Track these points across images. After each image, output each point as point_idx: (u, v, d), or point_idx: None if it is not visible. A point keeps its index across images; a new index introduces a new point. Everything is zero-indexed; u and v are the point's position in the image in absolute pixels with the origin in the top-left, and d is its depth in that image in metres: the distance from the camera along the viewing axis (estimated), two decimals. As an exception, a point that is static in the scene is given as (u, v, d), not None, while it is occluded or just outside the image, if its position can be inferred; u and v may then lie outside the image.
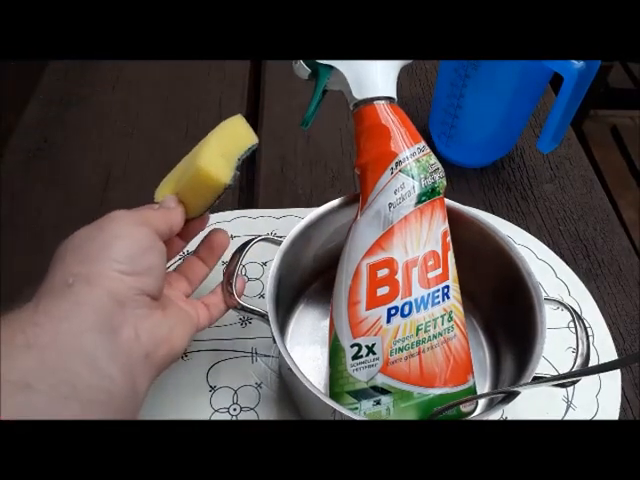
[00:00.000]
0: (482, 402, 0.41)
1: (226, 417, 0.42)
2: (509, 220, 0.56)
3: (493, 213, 0.57)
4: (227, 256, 0.40)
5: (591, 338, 0.47)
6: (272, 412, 0.42)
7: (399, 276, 0.37)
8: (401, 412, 0.37)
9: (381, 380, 0.37)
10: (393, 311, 0.37)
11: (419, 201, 0.37)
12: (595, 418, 0.43)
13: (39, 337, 0.26)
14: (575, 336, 0.37)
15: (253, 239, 0.41)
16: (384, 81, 0.38)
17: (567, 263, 0.52)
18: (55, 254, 0.31)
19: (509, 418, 0.42)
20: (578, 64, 0.46)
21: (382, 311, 0.37)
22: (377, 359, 0.37)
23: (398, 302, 0.37)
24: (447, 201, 0.41)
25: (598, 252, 0.55)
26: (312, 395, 0.34)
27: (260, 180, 0.60)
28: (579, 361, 0.36)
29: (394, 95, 0.38)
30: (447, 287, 0.38)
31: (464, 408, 0.37)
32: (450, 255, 0.39)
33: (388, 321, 0.37)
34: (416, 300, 0.37)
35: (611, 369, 0.29)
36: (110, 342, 0.28)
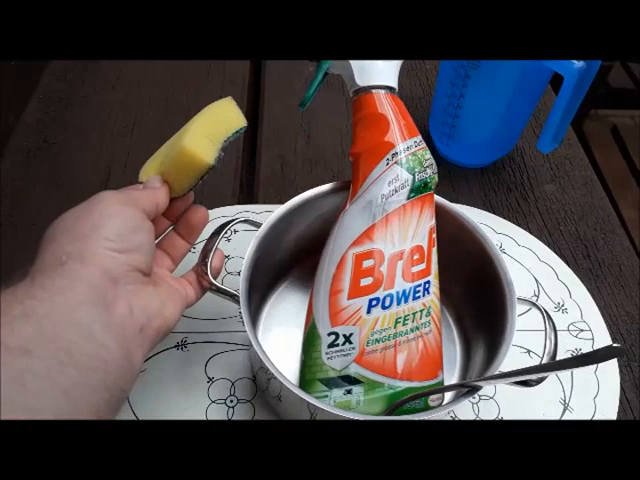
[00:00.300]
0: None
1: (223, 409, 0.42)
2: (509, 220, 0.56)
3: (494, 213, 0.57)
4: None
5: (591, 342, 0.47)
6: (268, 405, 0.42)
7: (384, 268, 0.37)
8: (371, 403, 0.37)
9: (354, 370, 0.37)
10: (374, 302, 0.37)
11: (411, 195, 0.37)
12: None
13: (36, 308, 0.26)
14: (544, 336, 0.37)
15: (232, 221, 0.42)
16: (387, 70, 0.38)
17: (567, 263, 0.52)
18: (44, 236, 0.31)
19: (505, 419, 0.42)
20: (578, 64, 0.46)
21: (363, 301, 0.37)
22: (353, 349, 0.37)
23: (380, 294, 0.37)
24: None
25: (599, 252, 0.55)
26: (278, 383, 0.34)
27: (260, 180, 0.60)
28: (545, 360, 0.36)
29: (395, 85, 0.38)
30: (428, 282, 0.38)
31: (432, 402, 0.37)
32: (434, 251, 0.39)
33: (368, 312, 0.37)
34: (398, 293, 0.37)
35: (572, 367, 0.29)
36: (105, 315, 0.28)
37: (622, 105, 1.55)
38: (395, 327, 0.37)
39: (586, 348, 0.46)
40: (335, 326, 0.37)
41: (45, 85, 0.69)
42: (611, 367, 0.45)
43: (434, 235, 0.39)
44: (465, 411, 0.43)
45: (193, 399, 0.42)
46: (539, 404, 0.43)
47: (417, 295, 0.38)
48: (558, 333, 0.37)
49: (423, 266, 0.38)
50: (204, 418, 0.42)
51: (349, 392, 0.37)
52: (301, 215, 0.43)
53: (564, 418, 0.42)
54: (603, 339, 0.47)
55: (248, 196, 0.59)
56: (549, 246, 0.54)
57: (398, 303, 0.37)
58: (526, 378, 0.32)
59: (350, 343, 0.37)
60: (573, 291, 0.50)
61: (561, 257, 0.53)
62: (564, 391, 0.44)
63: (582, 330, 0.48)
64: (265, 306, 0.48)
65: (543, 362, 0.35)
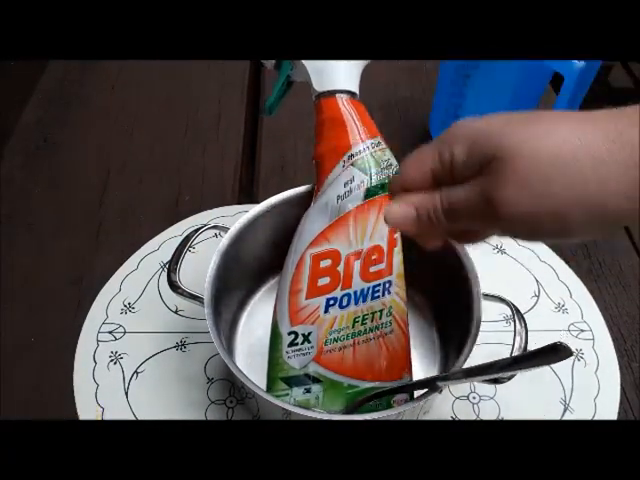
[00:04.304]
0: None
1: (222, 409, 0.42)
2: (509, 220, 0.56)
3: (493, 213, 0.57)
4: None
5: (591, 342, 0.47)
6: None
7: (341, 268, 0.38)
8: (330, 402, 0.37)
9: (313, 369, 0.38)
10: (332, 302, 0.37)
11: (368, 195, 0.38)
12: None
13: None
14: (512, 334, 0.36)
15: (202, 227, 0.42)
16: (345, 75, 0.39)
17: (568, 264, 0.52)
18: None
19: (505, 419, 0.42)
20: (579, 64, 0.46)
21: (321, 301, 0.38)
22: (311, 348, 0.38)
23: (337, 293, 0.37)
24: None
25: (599, 252, 0.54)
26: (239, 380, 0.34)
27: (260, 179, 0.60)
28: (515, 355, 0.35)
29: (355, 90, 0.39)
30: (389, 282, 0.38)
31: (395, 404, 0.38)
32: (396, 251, 0.39)
33: (326, 311, 0.37)
34: (355, 292, 0.37)
35: (531, 367, 0.28)
36: None
37: (622, 105, 1.54)
38: (353, 326, 0.37)
39: (586, 348, 0.46)
40: (294, 325, 0.38)
41: (45, 85, 0.69)
42: (611, 367, 0.45)
43: (396, 235, 0.39)
44: (465, 411, 0.42)
45: (192, 399, 0.42)
46: (539, 404, 0.43)
47: (376, 295, 0.38)
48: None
49: (382, 266, 0.38)
50: (203, 418, 0.42)
51: (308, 391, 0.38)
52: (273, 218, 0.43)
53: (564, 418, 0.42)
54: (603, 339, 0.47)
55: (248, 196, 0.59)
56: (549, 246, 0.54)
57: (356, 302, 0.37)
58: (486, 378, 0.32)
59: (309, 342, 0.38)
60: (573, 291, 0.50)
61: (561, 257, 0.53)
62: (564, 391, 0.44)
63: (582, 330, 0.48)
64: (248, 305, 0.48)
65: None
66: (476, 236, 0.30)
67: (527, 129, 0.24)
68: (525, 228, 0.24)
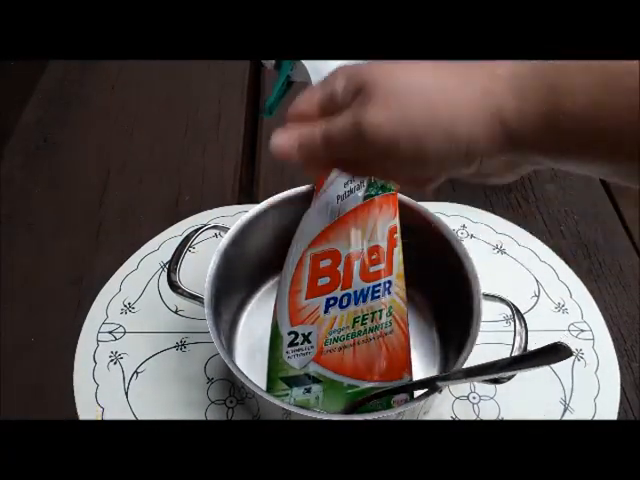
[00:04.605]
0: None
1: (222, 409, 0.42)
2: (510, 221, 0.56)
3: (494, 213, 0.57)
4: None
5: (591, 342, 0.47)
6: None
7: (341, 268, 0.38)
8: (330, 402, 0.37)
9: (313, 369, 0.38)
10: (332, 301, 0.38)
11: (368, 196, 0.38)
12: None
13: None
14: (512, 334, 0.36)
15: (202, 227, 0.42)
16: None
17: (568, 263, 0.52)
18: None
19: (505, 419, 0.42)
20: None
21: (321, 301, 0.38)
22: (311, 347, 0.38)
23: (337, 293, 0.38)
24: (404, 197, 0.42)
25: (599, 252, 0.55)
26: (239, 380, 0.34)
27: (260, 179, 0.60)
28: (515, 355, 0.35)
29: None
30: (389, 282, 0.38)
31: (396, 404, 0.37)
32: (396, 251, 0.39)
33: (326, 311, 0.38)
34: (355, 292, 0.37)
35: (529, 368, 0.28)
36: None
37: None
38: (353, 326, 0.37)
39: (587, 348, 0.46)
40: (295, 325, 0.38)
41: (45, 85, 0.69)
42: (611, 367, 0.45)
43: (396, 235, 0.39)
44: (465, 411, 0.42)
45: (192, 399, 0.42)
46: (539, 404, 0.43)
47: (376, 295, 0.38)
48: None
49: (382, 266, 0.38)
50: (203, 418, 0.42)
51: (308, 391, 0.38)
52: (273, 218, 0.43)
53: (564, 418, 0.42)
54: (603, 339, 0.47)
55: (248, 196, 0.59)
56: (549, 246, 0.54)
57: (356, 302, 0.37)
58: (485, 378, 0.32)
59: (309, 342, 0.38)
60: (573, 291, 0.50)
61: (561, 257, 0.53)
62: (564, 391, 0.44)
63: (582, 330, 0.48)
64: (248, 305, 0.48)
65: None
66: (360, 166, 0.30)
67: (394, 65, 0.28)
68: (386, 150, 0.26)
